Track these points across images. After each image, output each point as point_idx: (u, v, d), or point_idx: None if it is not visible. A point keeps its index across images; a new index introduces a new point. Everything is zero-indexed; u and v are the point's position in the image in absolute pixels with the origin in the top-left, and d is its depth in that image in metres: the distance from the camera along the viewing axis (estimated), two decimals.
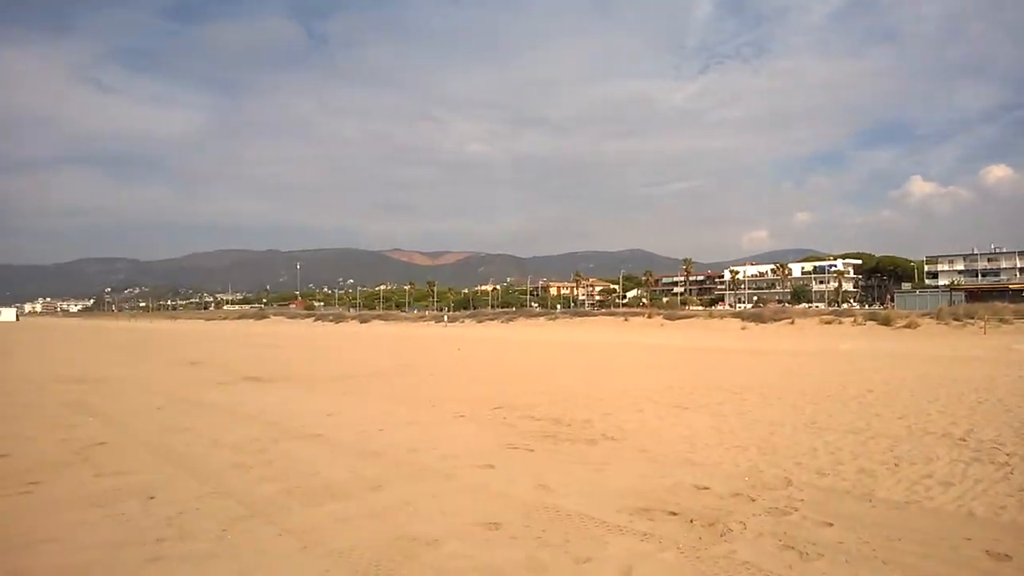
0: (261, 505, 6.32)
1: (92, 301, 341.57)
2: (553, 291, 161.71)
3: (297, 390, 15.23)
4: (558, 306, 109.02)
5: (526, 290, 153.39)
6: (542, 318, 70.87)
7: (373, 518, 5.92)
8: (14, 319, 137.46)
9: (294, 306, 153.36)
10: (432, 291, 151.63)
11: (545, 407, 12.20)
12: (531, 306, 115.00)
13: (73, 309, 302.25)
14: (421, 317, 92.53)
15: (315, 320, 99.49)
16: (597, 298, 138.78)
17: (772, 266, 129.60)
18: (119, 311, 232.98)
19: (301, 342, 40.45)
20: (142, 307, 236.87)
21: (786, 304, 76.55)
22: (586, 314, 70.77)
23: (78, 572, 4.84)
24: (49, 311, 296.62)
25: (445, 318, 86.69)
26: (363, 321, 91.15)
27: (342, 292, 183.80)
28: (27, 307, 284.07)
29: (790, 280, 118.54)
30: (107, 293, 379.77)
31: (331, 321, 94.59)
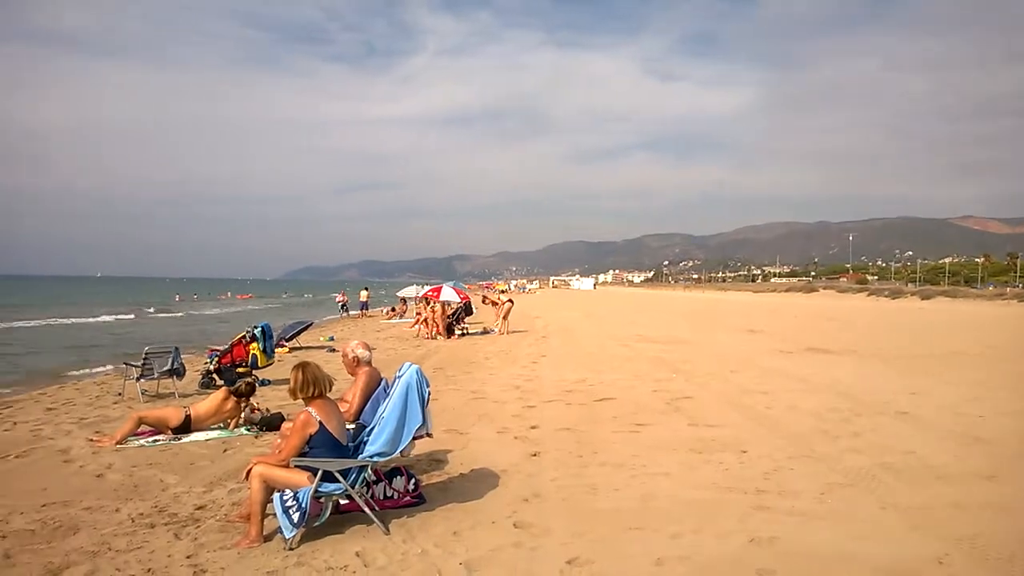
0: (856, 475, 6.12)
1: (652, 273, 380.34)
2: None
3: (868, 364, 14.44)
4: None
5: None
6: None
7: (993, 509, 5.23)
8: (592, 288, 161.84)
9: (844, 280, 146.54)
10: (1014, 264, 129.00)
11: None
12: None
13: (636, 280, 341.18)
14: (999, 295, 79.33)
15: (868, 295, 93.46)
16: None
17: None
18: (675, 282, 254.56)
19: (858, 316, 38.39)
20: (695, 279, 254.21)
21: None
22: None
23: (691, 505, 5.36)
24: (617, 281, 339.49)
25: None
26: (924, 297, 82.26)
27: (898, 265, 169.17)
28: (600, 277, 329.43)
29: None
30: (665, 266, 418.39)
31: (887, 296, 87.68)
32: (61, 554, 4.63)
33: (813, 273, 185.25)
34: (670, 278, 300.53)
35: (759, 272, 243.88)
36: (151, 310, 51.76)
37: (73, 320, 39.54)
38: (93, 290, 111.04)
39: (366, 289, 43.51)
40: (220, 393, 8.62)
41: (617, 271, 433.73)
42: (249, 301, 76.93)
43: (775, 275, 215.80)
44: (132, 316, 44.45)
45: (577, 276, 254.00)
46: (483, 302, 25.17)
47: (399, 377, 5.16)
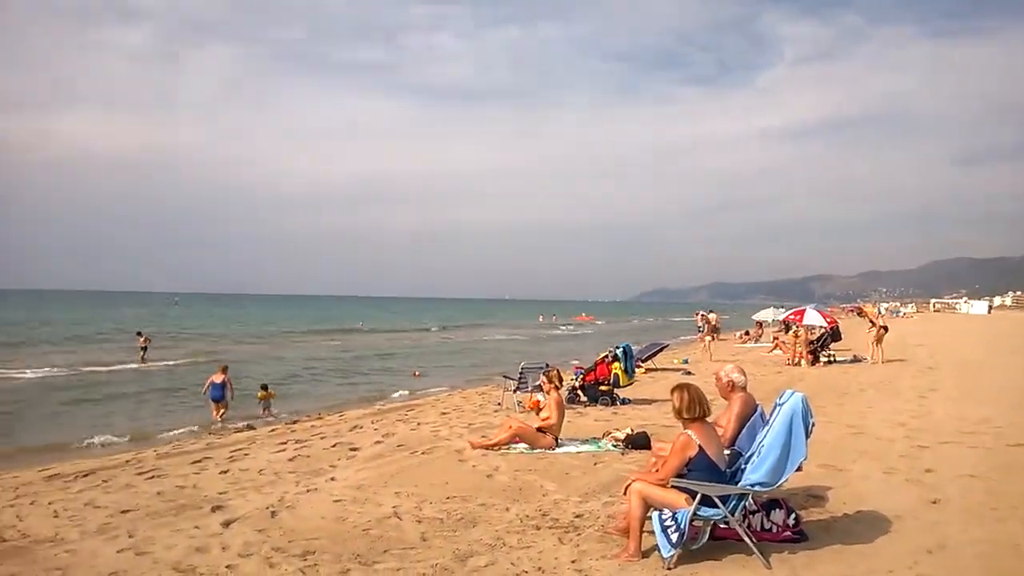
0: None
1: None
2: None
3: None
4: None
5: None
6: None
7: None
8: (986, 312, 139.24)
9: None
10: None
11: None
12: None
13: None
14: None
15: None
16: None
17: None
18: None
19: None
20: None
21: None
22: None
23: None
24: (1019, 305, 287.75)
25: None
26: None
27: None
28: (996, 300, 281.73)
29: None
30: None
31: None
32: (465, 543, 5.19)
33: None
34: None
35: None
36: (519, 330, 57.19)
37: (464, 338, 46.15)
38: (485, 310, 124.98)
39: (713, 312, 42.70)
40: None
41: (1019, 292, 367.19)
42: (593, 322, 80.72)
43: None
44: (506, 335, 49.73)
45: (965, 298, 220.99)
46: (859, 314, 23.12)
47: (781, 404, 4.89)
